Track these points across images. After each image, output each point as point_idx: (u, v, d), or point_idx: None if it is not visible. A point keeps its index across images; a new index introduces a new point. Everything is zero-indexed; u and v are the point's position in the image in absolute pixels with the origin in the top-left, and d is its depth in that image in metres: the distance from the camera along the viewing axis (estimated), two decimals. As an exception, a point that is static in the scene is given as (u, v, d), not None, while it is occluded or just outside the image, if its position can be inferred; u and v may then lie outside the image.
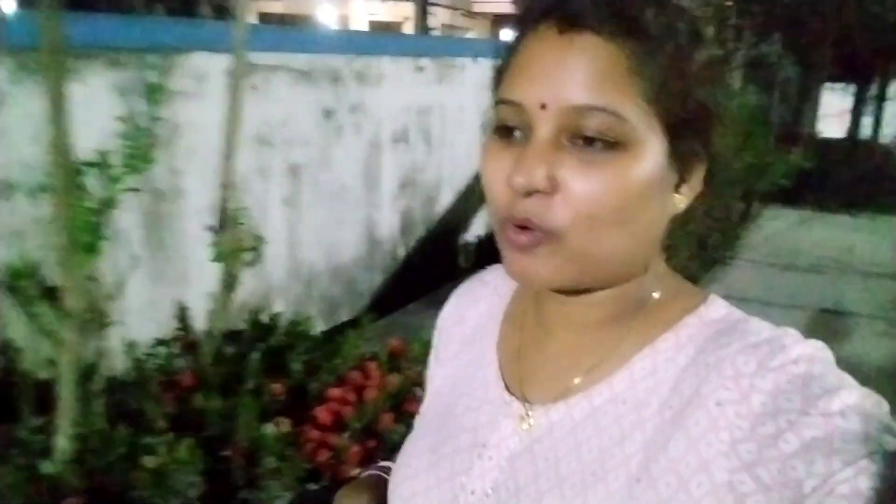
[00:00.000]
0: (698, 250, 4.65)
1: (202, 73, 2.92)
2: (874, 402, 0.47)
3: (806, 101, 9.25)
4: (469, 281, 0.78)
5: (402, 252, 4.54)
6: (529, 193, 0.51)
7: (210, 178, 2.95)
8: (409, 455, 0.67)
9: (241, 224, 1.99)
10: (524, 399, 0.61)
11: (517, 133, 0.53)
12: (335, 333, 2.60)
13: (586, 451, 0.55)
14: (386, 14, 15.91)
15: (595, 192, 0.50)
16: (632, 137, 0.51)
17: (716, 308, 0.57)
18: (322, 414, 1.86)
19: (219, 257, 1.79)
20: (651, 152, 0.52)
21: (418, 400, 2.33)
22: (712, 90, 0.55)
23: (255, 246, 1.88)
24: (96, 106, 2.48)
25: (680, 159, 0.54)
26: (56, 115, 1.46)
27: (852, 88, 9.70)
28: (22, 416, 1.69)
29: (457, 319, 0.75)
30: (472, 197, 4.99)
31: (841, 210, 7.00)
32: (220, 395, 1.79)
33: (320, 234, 3.78)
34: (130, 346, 2.08)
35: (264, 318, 2.25)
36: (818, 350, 0.50)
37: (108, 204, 1.51)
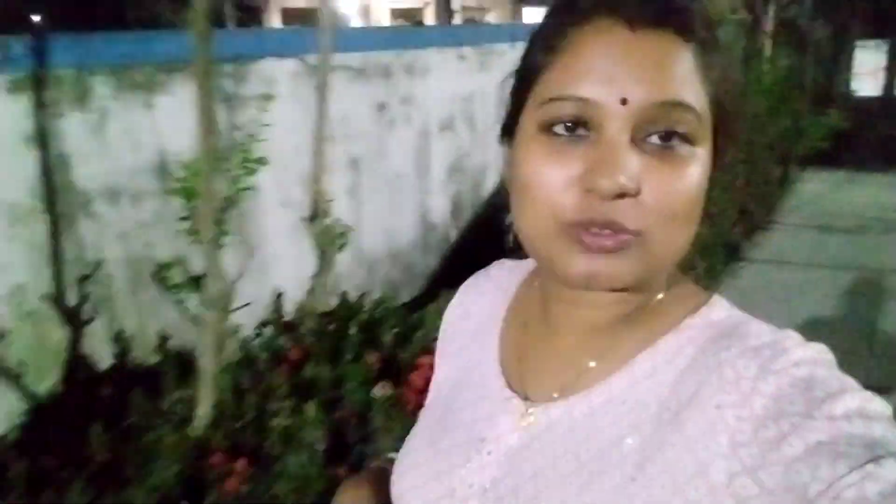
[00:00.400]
0: (739, 216, 4.76)
1: (271, 78, 3.16)
2: (877, 405, 0.46)
3: (839, 61, 9.17)
4: (475, 276, 0.78)
5: (453, 234, 4.76)
6: (615, 196, 0.49)
7: (282, 175, 3.20)
8: (409, 448, 0.67)
9: (329, 214, 2.21)
10: (525, 396, 0.61)
11: (571, 132, 0.51)
12: (414, 308, 2.83)
13: (584, 450, 0.54)
14: (407, 1, 15.96)
15: (676, 191, 0.50)
16: (700, 135, 0.51)
17: (718, 309, 0.57)
18: (416, 378, 2.09)
19: (319, 244, 2.01)
20: (708, 148, 0.53)
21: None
22: (737, 90, 0.56)
23: (345, 232, 2.10)
24: (183, 114, 2.73)
25: (715, 158, 0.55)
26: (206, 124, 1.65)
27: (885, 45, 9.57)
28: (164, 392, 1.94)
29: (462, 314, 0.75)
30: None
31: (880, 169, 6.96)
32: (328, 363, 2.03)
33: (379, 221, 4.01)
34: (235, 329, 2.33)
35: (347, 298, 2.48)
36: (820, 353, 0.50)
37: (230, 202, 1.74)
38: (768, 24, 6.19)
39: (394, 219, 4.16)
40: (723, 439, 0.47)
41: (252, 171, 1.87)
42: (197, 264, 2.00)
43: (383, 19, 15.67)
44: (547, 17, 0.56)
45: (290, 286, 2.95)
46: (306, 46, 3.17)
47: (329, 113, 2.72)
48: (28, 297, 2.33)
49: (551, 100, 0.51)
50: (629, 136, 0.49)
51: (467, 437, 0.62)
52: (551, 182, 0.51)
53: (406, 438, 0.70)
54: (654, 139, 0.50)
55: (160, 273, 1.64)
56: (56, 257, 2.38)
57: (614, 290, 0.54)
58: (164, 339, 2.53)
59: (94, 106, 2.43)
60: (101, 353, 2.58)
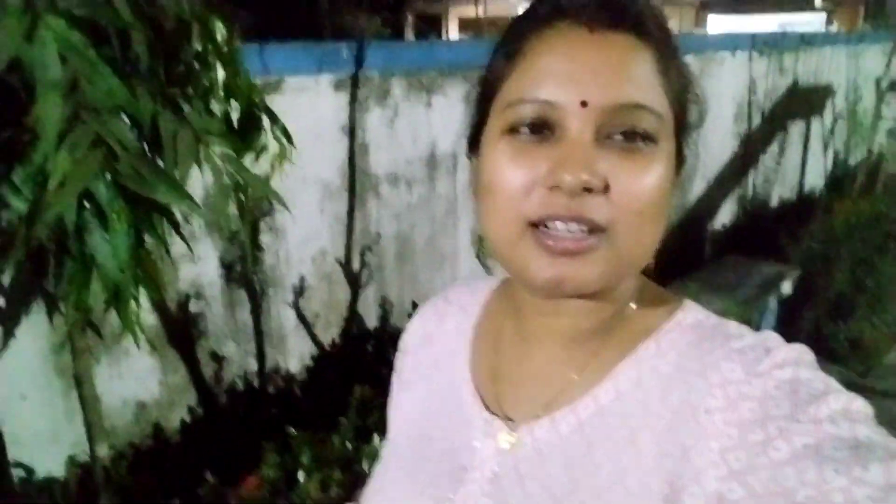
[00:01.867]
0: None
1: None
2: (860, 406, 0.46)
3: None
4: (431, 301, 0.76)
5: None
6: (578, 192, 0.48)
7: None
8: (382, 485, 0.64)
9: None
10: (505, 417, 0.59)
11: (544, 131, 0.51)
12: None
13: (578, 467, 0.53)
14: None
15: (641, 188, 0.49)
16: (662, 135, 0.51)
17: (693, 313, 0.57)
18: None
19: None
20: (671, 149, 0.52)
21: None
22: (695, 94, 0.56)
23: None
24: (453, 113, 3.11)
25: (678, 158, 0.55)
26: None
27: None
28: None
29: (423, 340, 0.72)
30: (725, 185, 5.14)
31: None
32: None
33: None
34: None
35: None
36: (802, 353, 0.50)
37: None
38: None
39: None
40: (713, 444, 0.47)
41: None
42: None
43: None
44: (509, 25, 0.56)
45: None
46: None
47: None
48: (327, 261, 2.80)
49: (512, 104, 0.51)
50: (592, 135, 0.49)
51: (449, 467, 0.59)
52: (516, 182, 0.50)
53: (374, 474, 0.67)
54: (618, 137, 0.50)
55: (481, 245, 1.92)
56: (349, 229, 2.84)
57: (583, 296, 0.53)
58: (415, 307, 2.90)
59: (390, 103, 2.85)
60: (370, 314, 3.02)
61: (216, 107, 1.85)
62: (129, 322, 1.66)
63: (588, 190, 0.48)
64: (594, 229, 0.49)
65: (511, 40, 0.54)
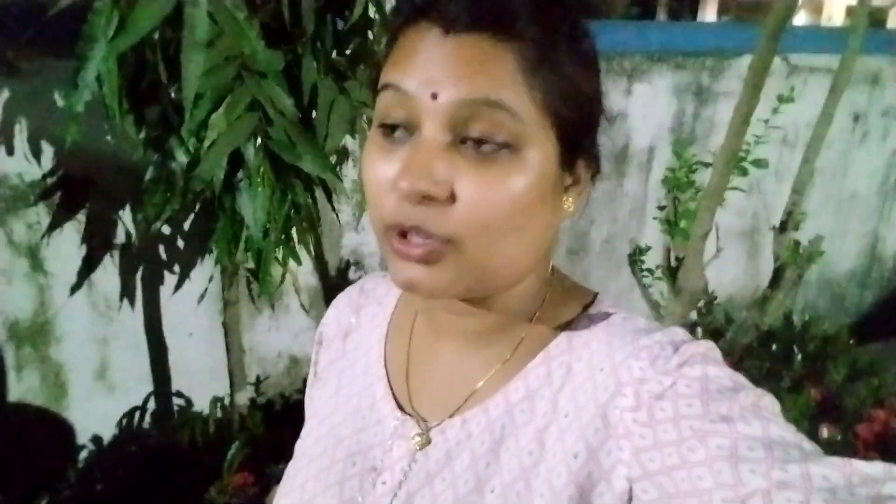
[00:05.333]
0: None
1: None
2: (768, 402, 0.46)
3: None
4: (347, 291, 0.73)
5: (903, 273, 4.06)
6: (419, 200, 0.47)
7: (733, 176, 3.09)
8: (292, 486, 0.62)
9: (800, 229, 2.06)
10: (418, 416, 0.58)
11: (399, 131, 0.49)
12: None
13: (484, 467, 0.52)
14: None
15: (491, 199, 0.47)
16: (524, 139, 0.48)
17: (604, 307, 0.56)
18: (865, 431, 1.86)
19: (781, 258, 1.90)
20: (543, 156, 0.49)
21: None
22: (596, 84, 0.53)
23: (815, 254, 1.93)
24: (657, 103, 2.81)
25: (570, 161, 0.52)
26: (738, 123, 1.65)
27: None
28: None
29: (336, 333, 0.70)
30: None
31: None
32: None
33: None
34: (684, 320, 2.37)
35: (795, 319, 2.31)
36: (709, 349, 0.50)
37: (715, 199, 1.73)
38: None
39: (836, 242, 3.72)
40: (624, 444, 0.47)
41: (746, 172, 1.83)
42: (652, 252, 2.07)
43: (836, 17, 13.83)
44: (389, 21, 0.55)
45: (722, 290, 2.88)
46: (787, 44, 2.97)
47: (794, 118, 2.50)
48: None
49: (379, 90, 0.51)
50: (446, 138, 0.47)
51: (360, 469, 0.58)
52: (377, 182, 0.50)
53: (286, 474, 0.65)
54: (470, 142, 0.47)
55: (636, 255, 1.73)
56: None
57: (470, 300, 0.53)
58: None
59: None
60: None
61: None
62: (266, 282, 1.70)
63: (429, 198, 0.47)
64: (443, 239, 0.48)
65: (389, 35, 0.54)
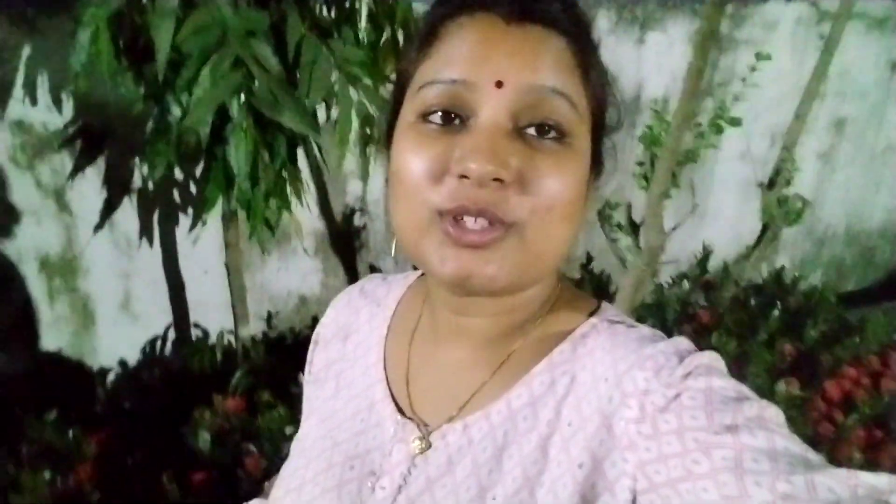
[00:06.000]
0: None
1: (772, 22, 2.94)
2: (773, 413, 0.45)
3: None
4: (347, 291, 0.72)
5: (941, 229, 3.91)
6: (486, 183, 0.46)
7: (751, 128, 3.03)
8: (288, 487, 0.61)
9: (792, 185, 2.05)
10: (419, 420, 0.57)
11: (451, 121, 0.49)
12: (843, 302, 2.51)
13: (487, 474, 0.51)
14: None
15: (554, 184, 0.48)
16: (577, 129, 0.49)
17: (608, 315, 0.56)
18: (832, 388, 1.90)
19: (765, 216, 1.91)
20: (586, 150, 0.51)
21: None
22: (615, 94, 0.55)
23: (802, 210, 1.94)
24: (673, 52, 2.77)
25: (597, 158, 0.54)
26: (694, 78, 1.65)
27: None
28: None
29: (335, 333, 0.69)
30: None
31: None
32: (736, 340, 1.98)
33: (849, 195, 3.53)
34: (654, 273, 2.41)
35: (787, 277, 2.32)
36: (713, 360, 0.49)
37: (689, 157, 1.75)
38: None
39: (869, 195, 3.61)
40: (629, 456, 0.46)
41: (721, 130, 1.83)
42: (636, 207, 2.11)
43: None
44: (425, 17, 0.54)
45: (721, 245, 2.87)
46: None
47: (808, 63, 2.42)
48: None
49: (424, 85, 0.50)
50: (506, 123, 0.47)
51: (359, 473, 0.57)
52: (425, 169, 0.48)
53: (281, 474, 0.63)
54: (532, 130, 0.48)
55: (605, 209, 1.78)
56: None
57: (495, 295, 0.51)
58: (589, 259, 2.76)
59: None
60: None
61: (370, 35, 1.88)
62: (256, 228, 1.84)
63: (498, 181, 0.47)
64: (503, 225, 0.48)
65: (427, 28, 0.53)
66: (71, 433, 1.58)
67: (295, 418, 1.75)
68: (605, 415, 0.49)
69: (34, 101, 2.00)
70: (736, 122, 1.83)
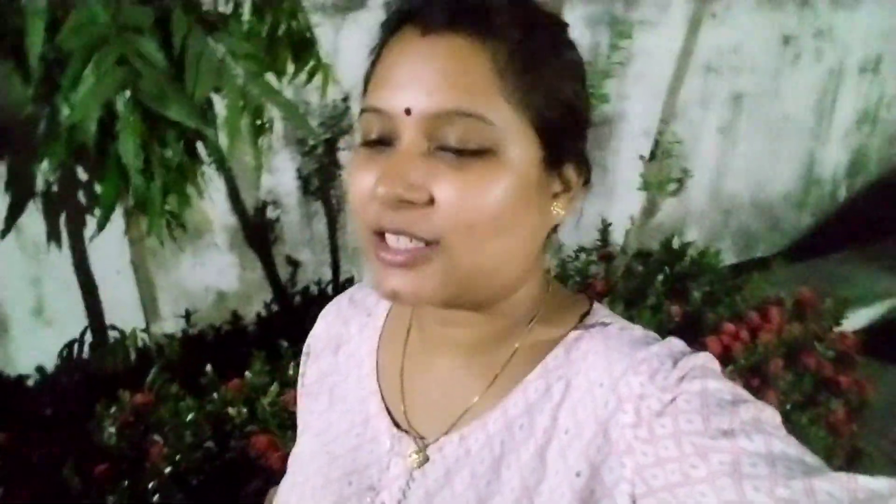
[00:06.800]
0: None
1: (665, 3, 3.09)
2: (769, 415, 0.46)
3: None
4: (336, 301, 0.72)
5: (842, 194, 4.15)
6: (398, 205, 0.48)
7: (653, 105, 3.18)
8: (287, 502, 0.62)
9: (672, 156, 2.18)
10: (414, 432, 0.57)
11: (381, 146, 0.50)
12: (746, 269, 2.67)
13: (485, 485, 0.52)
14: None
15: (470, 200, 0.48)
16: (500, 143, 0.48)
17: (600, 318, 0.56)
18: (712, 343, 2.03)
19: (644, 186, 2.03)
20: (524, 158, 0.49)
21: (816, 354, 2.29)
22: (580, 92, 0.53)
23: (681, 179, 2.06)
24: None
25: (555, 166, 0.52)
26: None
27: None
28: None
29: (326, 345, 0.69)
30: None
31: None
32: (624, 305, 2.10)
33: (751, 166, 3.72)
34: (558, 249, 2.52)
35: (675, 244, 2.45)
36: (708, 361, 0.49)
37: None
38: None
39: (770, 165, 3.81)
40: (627, 461, 0.47)
41: (605, 100, 1.93)
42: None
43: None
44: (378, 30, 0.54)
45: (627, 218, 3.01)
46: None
47: (701, 40, 2.55)
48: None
49: (362, 111, 0.52)
50: (422, 145, 0.48)
51: (357, 488, 0.57)
52: (359, 191, 0.51)
53: (280, 490, 0.64)
54: (448, 148, 0.48)
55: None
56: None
57: (464, 307, 0.53)
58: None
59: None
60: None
61: (257, 27, 1.93)
62: (154, 224, 1.87)
63: (410, 203, 0.48)
64: (428, 242, 0.48)
65: (375, 44, 0.54)
66: (-27, 433, 1.60)
67: (202, 407, 1.80)
68: (601, 420, 0.49)
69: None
70: (605, 99, 1.94)
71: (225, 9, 2.01)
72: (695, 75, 3.12)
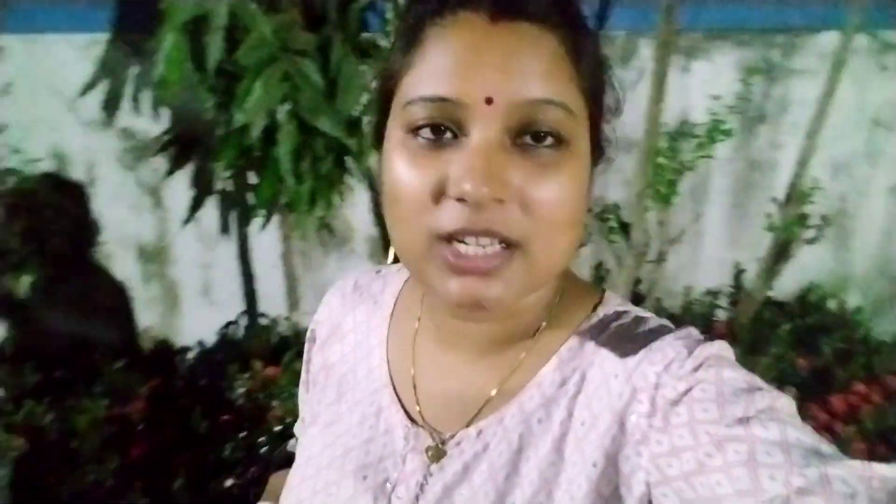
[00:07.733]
0: None
1: (827, 52, 2.94)
2: (784, 403, 0.44)
3: None
4: (338, 287, 0.68)
5: None
6: (484, 204, 0.44)
7: (820, 157, 3.00)
8: (299, 497, 0.58)
9: (810, 202, 2.08)
10: (429, 426, 0.55)
11: (447, 133, 0.46)
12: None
13: (504, 479, 0.50)
14: None
15: (557, 198, 0.45)
16: (575, 134, 0.46)
17: (614, 306, 0.55)
18: (837, 401, 1.89)
19: (769, 227, 1.96)
20: (586, 148, 0.48)
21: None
22: (612, 81, 0.52)
23: (819, 225, 1.96)
24: (720, 81, 2.84)
25: (595, 154, 0.51)
26: (655, 91, 1.84)
27: None
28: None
29: (331, 333, 0.66)
30: None
31: None
32: (744, 350, 2.02)
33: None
34: (687, 288, 2.46)
35: (833, 306, 2.31)
36: (722, 349, 0.48)
37: (686, 167, 1.86)
38: None
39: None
40: (643, 450, 0.46)
41: (714, 141, 1.92)
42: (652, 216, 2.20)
43: None
44: (406, 12, 0.51)
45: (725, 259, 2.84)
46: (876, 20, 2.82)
47: (871, 94, 2.41)
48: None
49: (412, 102, 0.46)
50: (500, 138, 0.45)
51: (372, 482, 0.55)
52: (421, 192, 0.46)
53: (289, 483, 0.61)
54: (527, 139, 0.45)
55: (603, 214, 1.91)
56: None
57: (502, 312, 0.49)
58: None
59: (635, 65, 2.77)
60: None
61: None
62: (300, 222, 2.13)
63: (499, 201, 0.45)
64: (508, 244, 0.46)
65: (409, 29, 0.49)
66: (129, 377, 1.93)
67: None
68: (617, 411, 0.48)
69: (138, 112, 2.43)
70: (728, 134, 1.91)
71: (385, 42, 2.26)
72: (862, 129, 2.92)
